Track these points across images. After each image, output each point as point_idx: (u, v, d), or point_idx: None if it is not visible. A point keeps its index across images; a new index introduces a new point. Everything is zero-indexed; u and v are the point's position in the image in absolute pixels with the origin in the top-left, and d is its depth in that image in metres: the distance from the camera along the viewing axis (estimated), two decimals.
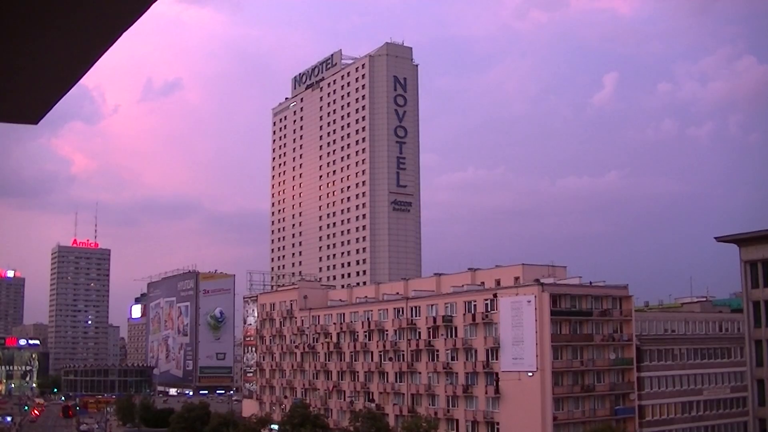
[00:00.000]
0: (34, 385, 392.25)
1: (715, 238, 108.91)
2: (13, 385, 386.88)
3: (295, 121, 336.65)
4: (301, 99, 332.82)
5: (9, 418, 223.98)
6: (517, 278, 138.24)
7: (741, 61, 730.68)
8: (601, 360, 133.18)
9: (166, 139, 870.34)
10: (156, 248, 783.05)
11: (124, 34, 6.80)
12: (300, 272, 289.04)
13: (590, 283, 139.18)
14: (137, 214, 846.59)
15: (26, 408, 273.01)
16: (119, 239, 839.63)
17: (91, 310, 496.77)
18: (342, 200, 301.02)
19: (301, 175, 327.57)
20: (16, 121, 8.84)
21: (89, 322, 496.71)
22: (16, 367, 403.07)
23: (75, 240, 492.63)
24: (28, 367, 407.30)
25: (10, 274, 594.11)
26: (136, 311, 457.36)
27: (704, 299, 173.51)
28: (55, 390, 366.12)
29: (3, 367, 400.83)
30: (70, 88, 7.81)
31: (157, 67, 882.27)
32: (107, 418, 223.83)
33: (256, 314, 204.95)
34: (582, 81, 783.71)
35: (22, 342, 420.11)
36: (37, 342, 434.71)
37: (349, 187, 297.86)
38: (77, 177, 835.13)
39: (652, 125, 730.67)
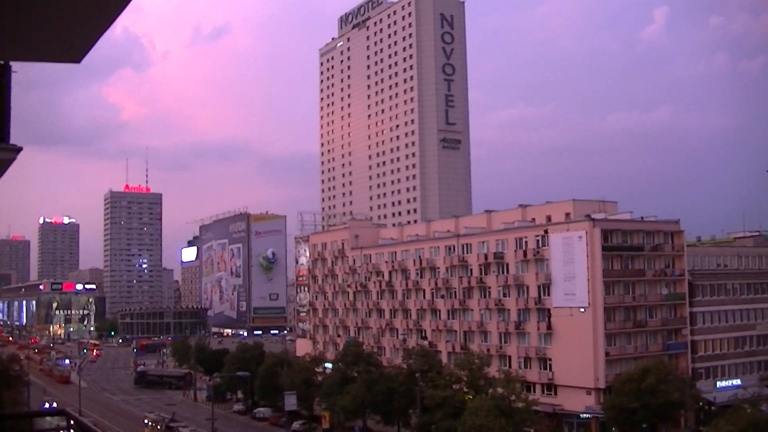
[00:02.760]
0: (92, 328, 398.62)
1: None
2: (71, 329, 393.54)
3: (342, 61, 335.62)
4: (348, 39, 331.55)
5: (67, 361, 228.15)
6: (567, 214, 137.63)
7: None
8: (653, 295, 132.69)
9: (216, 84, 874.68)
10: (207, 192, 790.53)
11: None
12: (351, 212, 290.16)
13: (641, 218, 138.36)
14: (188, 158, 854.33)
15: (85, 351, 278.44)
16: (170, 184, 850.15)
17: (145, 254, 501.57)
18: (391, 139, 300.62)
19: (349, 114, 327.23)
20: (59, 61, 8.96)
21: (143, 266, 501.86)
22: (73, 312, 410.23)
23: (127, 185, 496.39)
24: (86, 311, 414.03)
25: (66, 220, 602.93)
26: (189, 254, 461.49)
27: (757, 234, 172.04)
28: (112, 333, 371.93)
29: (61, 312, 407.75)
30: (109, 26, 7.91)
31: (205, 12, 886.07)
32: (164, 360, 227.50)
33: (307, 254, 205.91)
34: (632, 15, 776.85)
35: (79, 287, 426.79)
36: (94, 286, 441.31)
37: (397, 126, 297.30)
38: (128, 124, 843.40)
39: (703, 59, 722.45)
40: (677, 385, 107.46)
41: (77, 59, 8.91)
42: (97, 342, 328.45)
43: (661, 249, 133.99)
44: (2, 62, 9.00)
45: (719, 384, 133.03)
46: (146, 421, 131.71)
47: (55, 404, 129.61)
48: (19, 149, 7.31)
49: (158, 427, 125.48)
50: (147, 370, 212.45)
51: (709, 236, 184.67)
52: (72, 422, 9.25)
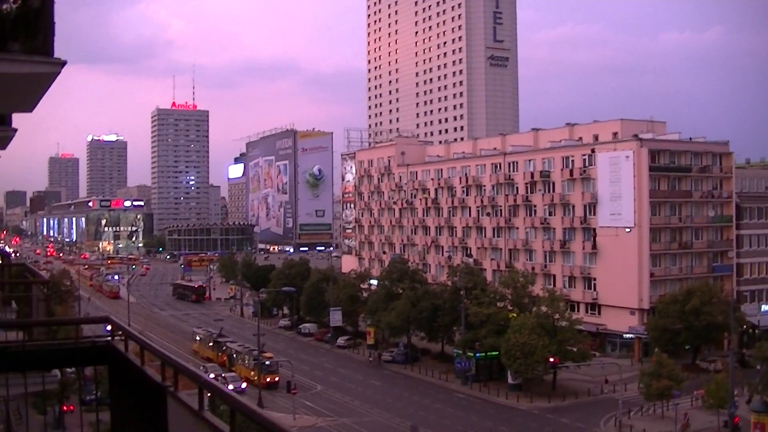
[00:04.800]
0: (140, 244, 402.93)
1: None
2: (120, 245, 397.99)
3: None
4: None
5: (116, 277, 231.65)
6: (615, 133, 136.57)
7: None
8: (700, 217, 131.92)
9: (264, 1, 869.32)
10: (254, 109, 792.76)
11: None
12: (397, 128, 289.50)
13: (690, 139, 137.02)
14: (235, 75, 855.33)
15: (134, 267, 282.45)
16: (217, 101, 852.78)
17: (192, 171, 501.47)
18: (438, 56, 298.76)
19: (397, 31, 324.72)
20: None
21: (191, 183, 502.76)
22: (122, 228, 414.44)
23: (174, 103, 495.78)
24: (134, 228, 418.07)
25: (111, 138, 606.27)
26: (236, 171, 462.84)
27: None
28: (160, 249, 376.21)
29: (110, 228, 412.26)
30: None
31: None
32: (211, 276, 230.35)
33: (354, 171, 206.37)
34: None
35: (127, 203, 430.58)
36: (142, 203, 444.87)
37: (445, 43, 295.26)
38: (175, 41, 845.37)
39: None
40: (721, 308, 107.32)
41: None
42: (135, 256, 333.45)
43: (709, 170, 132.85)
44: None
45: (764, 308, 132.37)
46: (196, 336, 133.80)
47: None
48: (63, 63, 7.41)
49: (208, 343, 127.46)
50: (178, 283, 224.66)
51: (758, 158, 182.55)
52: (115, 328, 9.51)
